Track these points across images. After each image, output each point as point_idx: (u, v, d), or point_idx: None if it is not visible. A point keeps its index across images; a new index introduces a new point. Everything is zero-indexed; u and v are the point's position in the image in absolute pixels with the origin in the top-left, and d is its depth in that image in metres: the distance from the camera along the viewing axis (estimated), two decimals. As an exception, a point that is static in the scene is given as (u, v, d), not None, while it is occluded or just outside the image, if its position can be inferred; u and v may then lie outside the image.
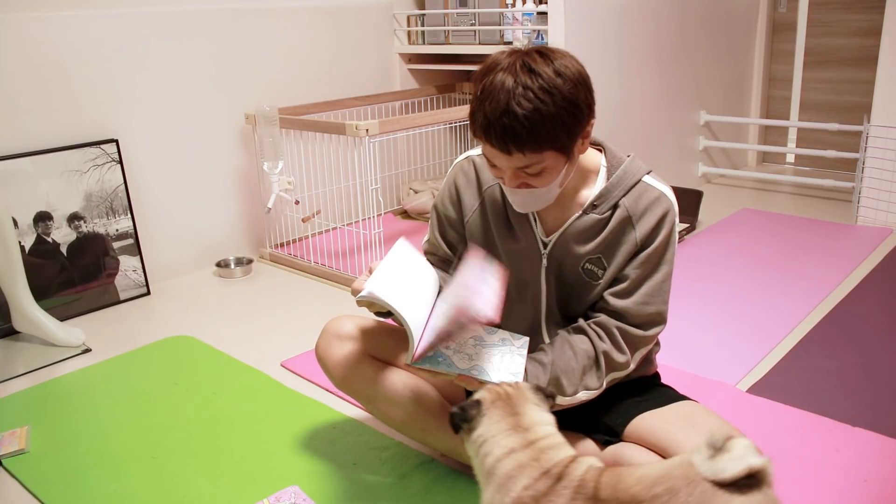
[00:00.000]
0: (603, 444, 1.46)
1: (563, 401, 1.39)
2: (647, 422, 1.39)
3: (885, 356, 2.05)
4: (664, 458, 1.32)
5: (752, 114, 4.25)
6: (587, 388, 1.39)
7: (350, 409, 1.87)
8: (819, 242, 3.00)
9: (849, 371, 1.97)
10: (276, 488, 1.56)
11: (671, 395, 1.47)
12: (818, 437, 1.67)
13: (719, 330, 2.25)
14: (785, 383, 1.92)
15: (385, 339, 1.57)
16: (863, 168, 3.22)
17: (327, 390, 1.97)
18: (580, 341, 1.40)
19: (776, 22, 4.17)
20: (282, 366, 2.15)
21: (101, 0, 2.56)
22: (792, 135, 4.28)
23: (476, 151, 1.51)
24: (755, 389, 1.89)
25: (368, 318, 1.58)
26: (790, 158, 4.33)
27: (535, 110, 1.20)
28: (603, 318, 1.41)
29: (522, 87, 1.21)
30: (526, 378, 1.37)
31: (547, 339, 1.49)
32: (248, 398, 1.96)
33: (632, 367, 1.42)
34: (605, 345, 1.39)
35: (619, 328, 1.39)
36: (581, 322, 1.44)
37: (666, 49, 3.45)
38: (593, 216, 1.39)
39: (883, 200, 3.18)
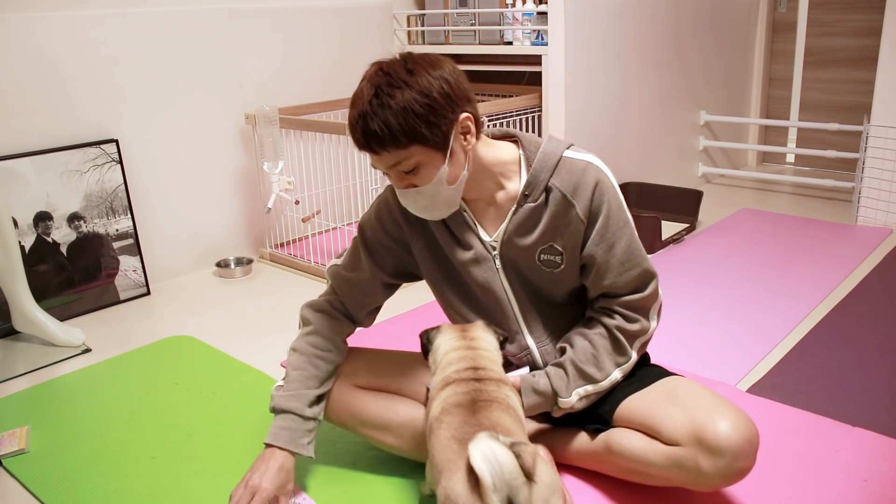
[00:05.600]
0: (594, 432, 1.48)
1: (601, 386, 1.43)
2: (633, 404, 1.42)
3: (885, 356, 2.05)
4: (652, 437, 1.36)
5: (752, 114, 4.25)
6: (618, 365, 1.44)
7: (350, 409, 1.87)
8: (819, 242, 3.00)
9: (849, 371, 1.97)
10: (276, 488, 1.56)
11: (655, 373, 1.49)
12: (818, 437, 1.67)
13: (719, 330, 2.25)
14: (785, 383, 1.92)
15: (370, 368, 1.58)
16: (863, 168, 3.22)
17: (327, 390, 1.96)
18: (592, 327, 1.45)
19: (776, 22, 4.17)
20: (282, 366, 2.14)
21: (101, 0, 2.56)
22: (792, 135, 4.28)
23: None
24: (755, 389, 1.89)
25: (352, 348, 1.62)
26: (790, 158, 4.33)
27: (382, 105, 1.25)
28: (602, 301, 1.46)
29: (375, 88, 1.26)
30: (551, 384, 1.43)
31: (529, 337, 1.52)
32: (248, 398, 1.96)
33: (652, 324, 1.47)
34: (615, 320, 1.43)
35: (618, 302, 1.44)
36: (588, 311, 1.49)
37: (666, 49, 3.45)
38: (528, 206, 1.41)
39: (883, 200, 3.18)
